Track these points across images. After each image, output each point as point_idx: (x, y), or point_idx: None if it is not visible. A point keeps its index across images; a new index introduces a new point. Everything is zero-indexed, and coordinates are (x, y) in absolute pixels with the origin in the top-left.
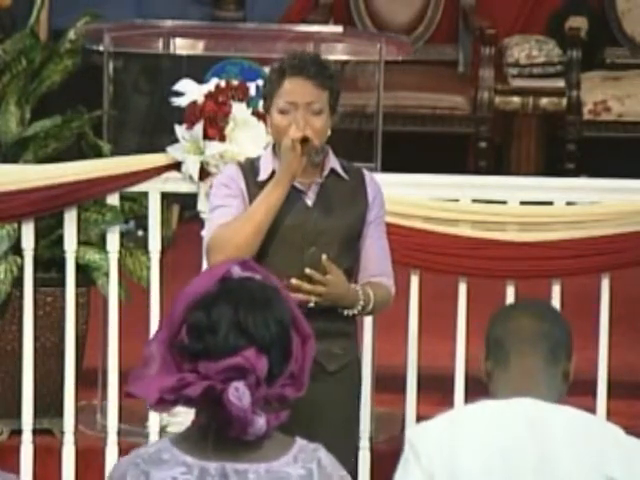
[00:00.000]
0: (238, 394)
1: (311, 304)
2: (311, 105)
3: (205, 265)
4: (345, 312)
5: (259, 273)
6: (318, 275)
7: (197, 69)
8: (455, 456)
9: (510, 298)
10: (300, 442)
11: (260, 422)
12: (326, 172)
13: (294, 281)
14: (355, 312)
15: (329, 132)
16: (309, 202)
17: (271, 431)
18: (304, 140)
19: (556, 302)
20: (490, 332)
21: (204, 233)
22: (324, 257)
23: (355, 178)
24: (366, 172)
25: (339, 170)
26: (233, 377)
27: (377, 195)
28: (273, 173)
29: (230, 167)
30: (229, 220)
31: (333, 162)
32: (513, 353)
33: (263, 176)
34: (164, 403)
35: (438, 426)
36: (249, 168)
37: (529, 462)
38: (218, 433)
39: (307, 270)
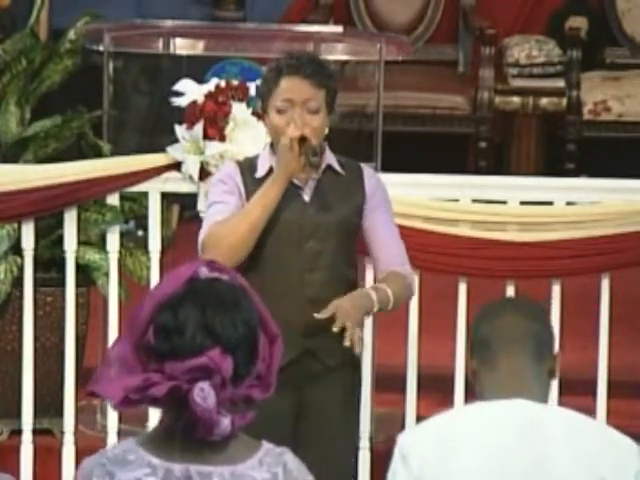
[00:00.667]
0: (203, 394)
1: (359, 334)
2: (308, 103)
3: None
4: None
5: (226, 274)
6: (337, 322)
7: (197, 69)
8: (450, 458)
9: None
10: (267, 446)
11: (225, 423)
12: (322, 168)
13: (347, 343)
14: (374, 312)
15: (327, 131)
16: (306, 198)
17: (236, 432)
18: (302, 139)
19: (556, 302)
20: (475, 331)
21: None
22: (315, 315)
23: (352, 173)
24: (365, 167)
25: (335, 166)
26: (199, 377)
27: (377, 188)
28: (271, 170)
29: (228, 164)
30: (225, 217)
31: (329, 158)
32: (500, 353)
33: (261, 172)
34: (128, 403)
35: (431, 429)
36: (247, 166)
37: (525, 464)
38: (184, 434)
39: (316, 315)
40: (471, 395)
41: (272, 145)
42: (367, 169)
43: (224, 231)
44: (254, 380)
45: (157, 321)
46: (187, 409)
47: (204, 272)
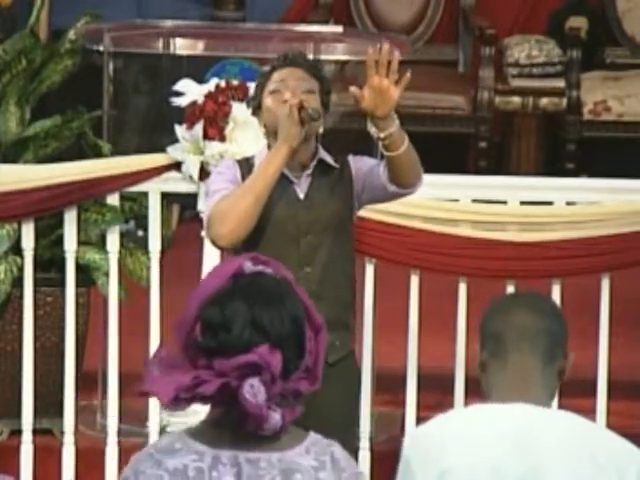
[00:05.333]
0: (253, 391)
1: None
2: (302, 84)
3: (205, 250)
4: (378, 134)
5: (270, 266)
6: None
7: (197, 69)
8: (445, 465)
9: None
10: (314, 436)
11: (276, 418)
12: (314, 162)
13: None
14: (387, 133)
15: (321, 130)
16: (301, 194)
17: (287, 426)
18: (300, 108)
19: (556, 302)
20: (487, 323)
21: (204, 232)
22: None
23: (342, 166)
24: (351, 157)
25: (328, 160)
26: (248, 374)
27: (359, 160)
28: None
29: (226, 160)
30: (228, 193)
31: (322, 154)
32: (511, 350)
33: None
34: (179, 401)
35: (428, 434)
36: (245, 163)
37: (519, 472)
38: (234, 428)
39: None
40: (471, 395)
41: (269, 146)
42: (352, 158)
43: (229, 205)
44: (302, 373)
45: (204, 318)
46: (237, 405)
47: (248, 266)
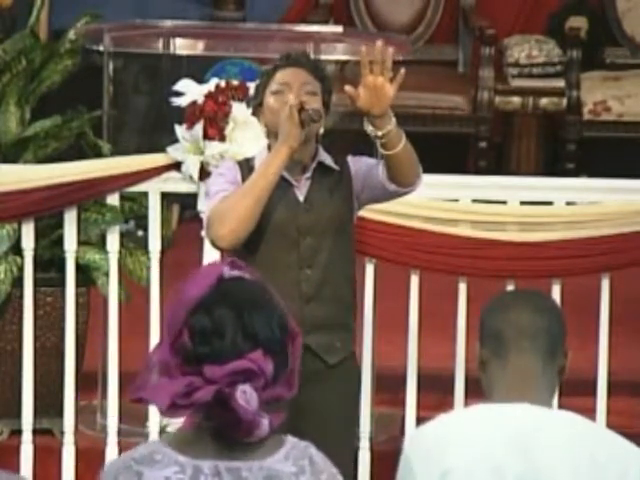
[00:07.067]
0: (246, 397)
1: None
2: (305, 86)
3: (205, 250)
4: (376, 132)
5: (246, 272)
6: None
7: (197, 69)
8: (446, 464)
9: None
10: (291, 440)
11: (265, 424)
12: (314, 164)
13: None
14: (384, 131)
15: (322, 131)
16: (300, 197)
17: (272, 432)
18: (300, 110)
19: (555, 300)
20: (487, 322)
21: (204, 232)
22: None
23: (342, 166)
24: (350, 158)
25: (328, 162)
26: (239, 380)
27: (358, 161)
28: None
29: (227, 161)
30: (228, 194)
31: (322, 156)
32: (512, 349)
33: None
34: (176, 408)
35: (430, 435)
36: (245, 165)
37: (521, 473)
38: (213, 434)
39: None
40: (471, 395)
41: (269, 146)
42: (351, 158)
43: (229, 206)
44: (284, 379)
45: (192, 324)
46: (229, 412)
47: (227, 272)
